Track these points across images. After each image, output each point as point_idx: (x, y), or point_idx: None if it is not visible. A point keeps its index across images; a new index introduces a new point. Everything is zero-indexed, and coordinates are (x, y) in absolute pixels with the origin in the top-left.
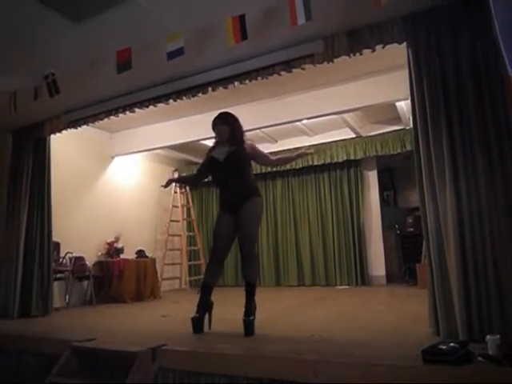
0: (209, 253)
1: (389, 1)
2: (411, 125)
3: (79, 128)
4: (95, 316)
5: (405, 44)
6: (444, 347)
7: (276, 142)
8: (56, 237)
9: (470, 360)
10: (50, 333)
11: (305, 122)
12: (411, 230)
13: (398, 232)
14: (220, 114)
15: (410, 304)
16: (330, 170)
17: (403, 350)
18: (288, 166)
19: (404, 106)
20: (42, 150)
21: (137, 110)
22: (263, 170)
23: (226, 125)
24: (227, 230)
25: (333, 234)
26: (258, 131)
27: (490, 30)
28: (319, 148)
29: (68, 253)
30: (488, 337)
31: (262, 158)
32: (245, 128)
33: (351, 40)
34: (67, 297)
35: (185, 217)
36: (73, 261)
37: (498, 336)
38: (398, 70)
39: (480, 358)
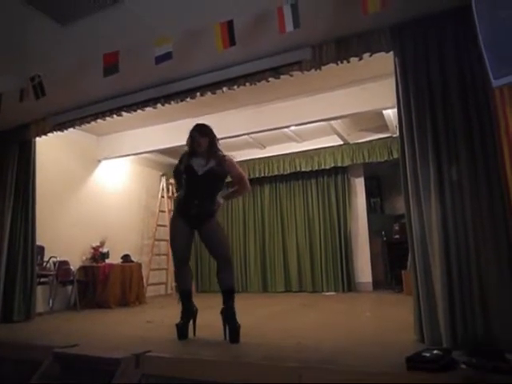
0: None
1: (376, 10)
2: (398, 133)
3: (65, 131)
4: (79, 321)
5: (392, 53)
6: (428, 354)
7: (264, 147)
8: (40, 240)
9: (453, 367)
10: (32, 339)
11: (293, 128)
12: (397, 237)
13: (385, 239)
14: (198, 126)
15: (396, 311)
16: (318, 176)
17: (388, 357)
18: (276, 172)
19: (391, 114)
20: (27, 152)
21: (124, 113)
22: (251, 176)
23: (207, 137)
24: (184, 238)
25: (320, 240)
26: (246, 137)
27: (475, 41)
28: (307, 154)
29: (52, 257)
30: None
31: (236, 178)
32: (233, 134)
33: (339, 48)
34: (51, 301)
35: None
36: (57, 265)
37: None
38: (386, 78)
39: (463, 366)
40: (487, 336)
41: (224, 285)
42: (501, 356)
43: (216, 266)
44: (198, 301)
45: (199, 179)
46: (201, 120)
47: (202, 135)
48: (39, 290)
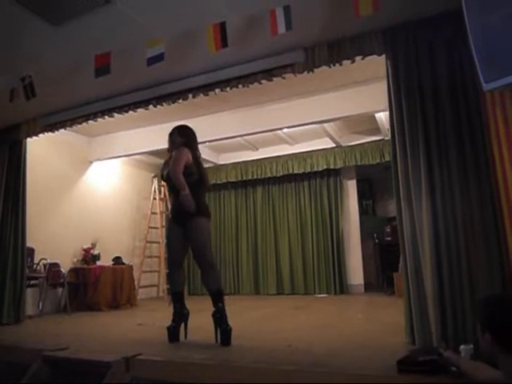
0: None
1: (368, 12)
2: (390, 136)
3: (57, 132)
4: (69, 324)
5: (384, 56)
6: (419, 357)
7: (257, 149)
8: (30, 242)
9: (444, 370)
10: (21, 341)
11: (286, 130)
12: (389, 239)
13: (377, 241)
14: (180, 127)
15: (387, 313)
16: (310, 178)
17: (379, 359)
18: (268, 174)
19: (383, 117)
20: (18, 153)
21: (116, 114)
22: (243, 178)
23: (185, 138)
24: (178, 241)
25: (312, 242)
26: (239, 139)
27: (466, 44)
28: (300, 157)
29: (42, 259)
30: (462, 346)
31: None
32: (226, 135)
33: (332, 51)
34: (41, 304)
35: (163, 224)
36: (47, 267)
37: (472, 346)
38: (379, 81)
39: (453, 368)
40: (477, 337)
41: (210, 288)
42: None
43: (200, 271)
44: (189, 303)
45: (165, 180)
46: (193, 122)
47: (180, 135)
48: (29, 292)
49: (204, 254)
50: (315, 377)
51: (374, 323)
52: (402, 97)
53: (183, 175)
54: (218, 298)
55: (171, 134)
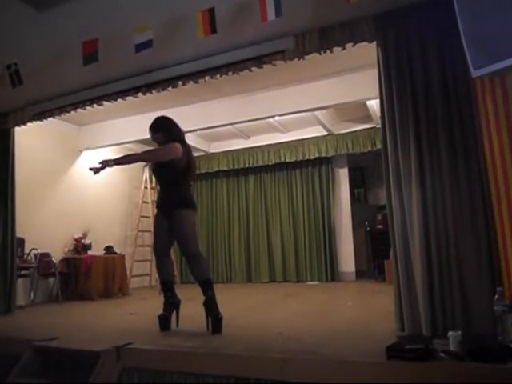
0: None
1: None
2: (380, 124)
3: (46, 120)
4: (60, 314)
5: (375, 43)
6: (408, 343)
7: (249, 138)
8: (20, 233)
9: (432, 356)
10: (11, 332)
11: (277, 118)
12: (380, 227)
13: (368, 229)
14: (153, 122)
15: (378, 300)
16: (302, 166)
17: (369, 346)
18: (260, 162)
19: (375, 104)
20: (6, 142)
21: (105, 103)
22: (235, 166)
23: (161, 132)
24: (163, 231)
25: (304, 230)
26: (230, 127)
27: (457, 30)
28: (292, 145)
29: (33, 249)
30: (450, 333)
31: None
32: (217, 123)
33: (322, 37)
34: (32, 294)
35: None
36: (38, 257)
37: (460, 332)
38: (371, 68)
39: (442, 354)
40: (465, 323)
41: (198, 278)
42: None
43: (186, 260)
44: (181, 292)
45: (153, 171)
46: (184, 110)
47: (155, 132)
48: (20, 282)
49: (188, 245)
50: (305, 364)
51: (365, 310)
52: (393, 84)
53: (170, 163)
54: (206, 287)
55: (153, 133)
